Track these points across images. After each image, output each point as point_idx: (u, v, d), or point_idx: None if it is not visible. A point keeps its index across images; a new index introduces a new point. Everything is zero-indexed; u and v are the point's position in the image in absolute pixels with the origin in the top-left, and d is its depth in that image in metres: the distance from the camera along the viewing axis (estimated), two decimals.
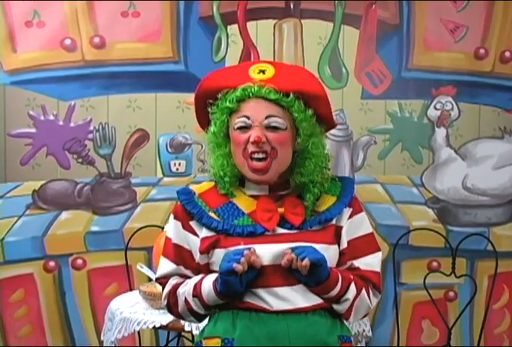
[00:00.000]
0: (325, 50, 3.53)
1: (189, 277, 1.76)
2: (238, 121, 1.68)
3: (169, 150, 3.55)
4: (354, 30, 3.55)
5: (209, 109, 1.74)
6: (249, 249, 1.63)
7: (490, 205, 3.65)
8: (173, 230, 1.78)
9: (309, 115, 1.69)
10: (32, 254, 3.48)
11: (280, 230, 1.70)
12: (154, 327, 2.59)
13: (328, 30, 3.52)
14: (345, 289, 1.69)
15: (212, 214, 1.73)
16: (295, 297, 1.68)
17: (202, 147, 3.51)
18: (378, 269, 1.77)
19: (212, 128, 1.74)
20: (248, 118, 1.67)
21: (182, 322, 2.53)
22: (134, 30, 3.47)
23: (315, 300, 1.69)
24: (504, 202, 3.66)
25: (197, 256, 1.74)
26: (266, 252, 1.67)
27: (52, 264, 3.51)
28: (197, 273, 1.75)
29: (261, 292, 1.67)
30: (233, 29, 3.49)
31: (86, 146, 3.50)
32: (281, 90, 1.66)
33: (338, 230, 1.73)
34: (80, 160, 3.50)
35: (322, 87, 1.73)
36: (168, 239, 1.79)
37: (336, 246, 1.72)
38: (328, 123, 1.76)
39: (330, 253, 1.69)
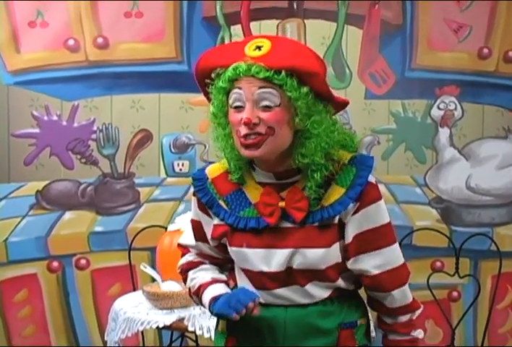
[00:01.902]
0: (329, 50, 3.53)
1: (205, 255, 1.81)
2: (233, 96, 1.60)
3: (172, 150, 3.55)
4: (357, 30, 3.55)
5: (207, 89, 1.67)
6: (255, 299, 1.60)
7: (494, 205, 3.64)
8: (192, 206, 1.80)
9: (304, 92, 1.58)
10: (36, 254, 3.49)
11: (284, 224, 1.66)
12: (157, 328, 2.59)
13: (331, 30, 3.52)
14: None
15: (221, 202, 1.72)
16: (293, 296, 1.68)
17: (205, 147, 3.51)
18: (396, 264, 1.69)
19: (211, 108, 1.67)
20: (240, 88, 1.58)
21: (186, 322, 2.53)
22: (137, 30, 3.47)
23: (314, 298, 1.68)
24: (508, 202, 3.66)
25: (209, 238, 1.76)
26: (264, 258, 1.66)
27: (56, 264, 3.51)
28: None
29: (260, 292, 1.68)
30: (237, 29, 3.49)
31: (89, 146, 3.50)
32: (272, 68, 1.56)
33: (342, 225, 1.66)
34: (84, 160, 3.50)
35: (317, 63, 1.61)
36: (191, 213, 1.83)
37: (338, 244, 1.67)
38: (332, 101, 1.64)
39: (331, 253, 1.66)
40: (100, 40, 3.46)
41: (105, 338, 2.77)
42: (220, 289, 1.72)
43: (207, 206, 1.73)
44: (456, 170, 3.62)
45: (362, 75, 3.55)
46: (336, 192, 1.63)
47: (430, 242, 3.49)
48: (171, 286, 2.67)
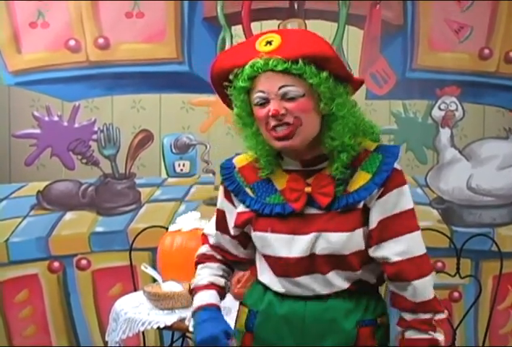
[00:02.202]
0: None
1: (222, 251, 1.85)
2: (255, 97, 1.65)
3: (173, 150, 3.55)
4: (358, 31, 3.55)
5: (227, 92, 1.70)
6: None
7: (495, 206, 3.64)
8: (219, 195, 1.83)
9: (324, 77, 1.61)
10: (37, 254, 3.49)
11: (309, 210, 1.68)
12: (158, 328, 2.59)
13: (332, 31, 3.51)
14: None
15: (248, 190, 1.75)
16: (314, 284, 1.68)
17: (206, 147, 3.51)
18: (417, 253, 1.68)
19: (234, 110, 1.70)
20: (263, 92, 1.63)
21: (187, 322, 2.53)
22: (138, 30, 3.47)
23: (334, 287, 1.68)
24: (509, 203, 3.65)
25: (231, 227, 1.79)
26: (288, 243, 1.68)
27: (56, 264, 3.51)
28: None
29: (281, 280, 1.70)
30: (238, 29, 3.49)
31: (90, 147, 3.50)
32: (289, 59, 1.60)
33: (367, 210, 1.67)
34: (85, 160, 3.50)
35: (329, 47, 1.66)
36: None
37: (362, 230, 1.66)
38: (350, 81, 1.68)
39: (354, 239, 1.65)
40: (101, 40, 3.46)
41: (106, 339, 2.77)
42: (206, 298, 1.78)
43: (233, 193, 1.76)
44: (457, 170, 3.62)
45: (363, 75, 3.54)
46: (362, 178, 1.66)
47: (431, 243, 3.43)
48: (172, 286, 2.67)
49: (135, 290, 3.16)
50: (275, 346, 1.72)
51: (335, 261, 1.66)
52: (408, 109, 3.59)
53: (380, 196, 1.66)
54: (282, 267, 1.70)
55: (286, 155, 1.73)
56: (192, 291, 1.84)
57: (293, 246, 1.67)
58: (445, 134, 3.60)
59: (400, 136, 3.59)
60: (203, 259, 1.88)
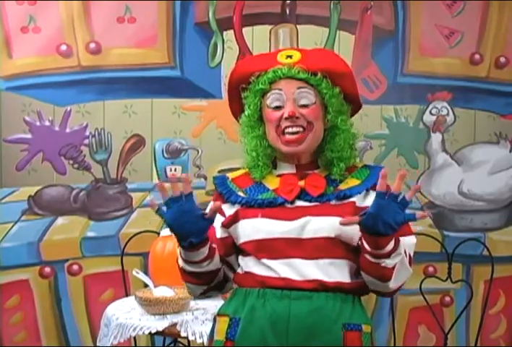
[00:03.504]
0: None
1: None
2: (271, 96, 1.76)
3: (165, 155, 3.55)
4: (350, 36, 3.56)
5: (242, 94, 1.81)
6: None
7: (486, 210, 3.65)
8: (208, 207, 1.83)
9: (337, 92, 1.77)
10: (28, 259, 3.48)
11: (299, 203, 1.75)
12: (150, 333, 2.58)
13: (324, 36, 3.52)
14: (397, 244, 1.67)
15: (240, 193, 1.81)
16: (303, 268, 1.69)
17: (198, 152, 3.51)
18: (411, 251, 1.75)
19: (246, 111, 1.81)
20: (280, 89, 1.75)
21: (178, 327, 2.53)
22: (130, 35, 3.47)
23: (333, 277, 1.70)
24: (500, 207, 3.67)
25: (218, 231, 1.82)
26: (278, 226, 1.71)
27: (48, 270, 3.50)
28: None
29: (271, 263, 1.71)
30: (229, 34, 3.50)
31: (82, 152, 3.49)
32: (309, 70, 1.75)
33: (358, 210, 1.68)
34: (76, 165, 3.50)
35: (347, 65, 1.82)
36: None
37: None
38: (354, 103, 1.83)
39: (348, 227, 1.67)
40: (92, 45, 3.45)
41: (98, 344, 2.76)
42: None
43: (225, 196, 1.81)
44: (448, 175, 3.63)
45: None
46: (352, 182, 1.78)
47: (423, 247, 3.45)
48: (164, 292, 2.67)
49: (127, 295, 3.15)
50: None
51: (324, 246, 1.69)
52: (399, 114, 3.60)
53: (367, 194, 1.76)
54: (272, 248, 1.72)
55: (282, 160, 1.82)
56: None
57: (283, 228, 1.72)
58: (436, 138, 3.61)
59: (392, 141, 3.60)
60: None
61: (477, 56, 3.62)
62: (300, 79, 1.75)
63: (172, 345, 3.15)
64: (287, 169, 1.81)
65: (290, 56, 1.78)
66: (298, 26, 3.52)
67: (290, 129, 1.74)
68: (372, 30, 3.56)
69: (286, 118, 1.73)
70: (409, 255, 1.73)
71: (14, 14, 3.41)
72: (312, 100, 1.75)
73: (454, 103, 3.60)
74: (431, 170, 3.63)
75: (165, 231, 2.89)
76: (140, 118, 3.51)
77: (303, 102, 1.75)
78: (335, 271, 1.71)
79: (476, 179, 3.62)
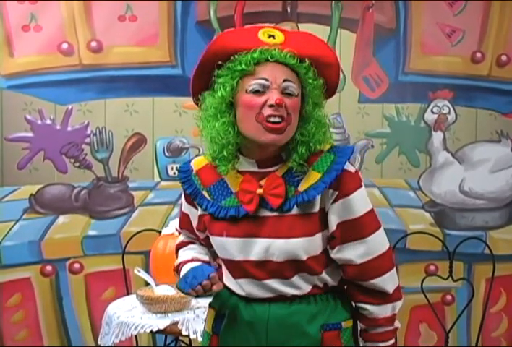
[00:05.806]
0: None
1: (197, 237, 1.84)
2: (254, 83, 1.60)
3: (166, 154, 3.55)
4: (351, 34, 3.56)
5: (216, 72, 1.65)
6: (209, 275, 1.61)
7: (487, 209, 3.65)
8: (182, 198, 1.83)
9: (320, 84, 1.64)
10: (30, 258, 3.48)
11: (263, 212, 1.65)
12: (151, 332, 2.58)
13: (325, 34, 3.52)
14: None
15: (205, 193, 1.73)
16: (280, 287, 1.66)
17: (199, 150, 3.51)
18: (380, 251, 1.67)
19: (219, 92, 1.63)
20: (266, 80, 1.60)
21: (179, 326, 2.53)
22: (131, 34, 3.47)
23: (301, 290, 1.67)
24: (501, 206, 3.66)
25: (195, 230, 1.80)
26: (244, 247, 1.66)
27: (49, 268, 3.51)
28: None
29: (242, 283, 1.68)
30: None
31: (83, 150, 3.50)
32: (297, 55, 1.61)
33: (324, 214, 1.64)
34: (77, 164, 3.50)
35: (335, 55, 1.69)
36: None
37: (321, 234, 1.65)
38: (329, 93, 1.69)
39: (314, 243, 1.64)
40: (93, 43, 3.46)
41: (99, 342, 2.76)
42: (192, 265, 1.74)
43: (191, 197, 1.75)
44: (450, 173, 3.63)
45: (356, 79, 3.55)
46: (312, 178, 1.63)
47: (424, 246, 3.49)
48: (165, 290, 2.67)
49: (128, 293, 3.15)
50: None
51: (296, 265, 1.65)
52: (400, 112, 3.60)
53: (335, 200, 1.64)
54: (241, 270, 1.68)
55: (244, 154, 1.68)
56: (176, 268, 1.80)
57: (249, 250, 1.66)
58: (437, 137, 3.61)
59: (393, 140, 3.60)
60: (183, 244, 1.87)
61: (479, 55, 3.62)
62: (287, 65, 1.60)
63: (173, 343, 3.15)
64: (248, 166, 1.68)
65: (273, 36, 1.62)
66: (299, 24, 3.52)
67: (273, 119, 1.58)
68: (373, 29, 3.55)
69: (271, 106, 1.57)
70: (388, 249, 1.70)
71: (16, 12, 3.41)
72: (295, 92, 1.61)
73: (455, 102, 3.60)
74: (432, 169, 3.63)
75: (167, 230, 2.89)
76: (141, 117, 3.51)
77: (288, 91, 1.60)
78: (306, 283, 1.68)
79: (477, 178, 3.62)
